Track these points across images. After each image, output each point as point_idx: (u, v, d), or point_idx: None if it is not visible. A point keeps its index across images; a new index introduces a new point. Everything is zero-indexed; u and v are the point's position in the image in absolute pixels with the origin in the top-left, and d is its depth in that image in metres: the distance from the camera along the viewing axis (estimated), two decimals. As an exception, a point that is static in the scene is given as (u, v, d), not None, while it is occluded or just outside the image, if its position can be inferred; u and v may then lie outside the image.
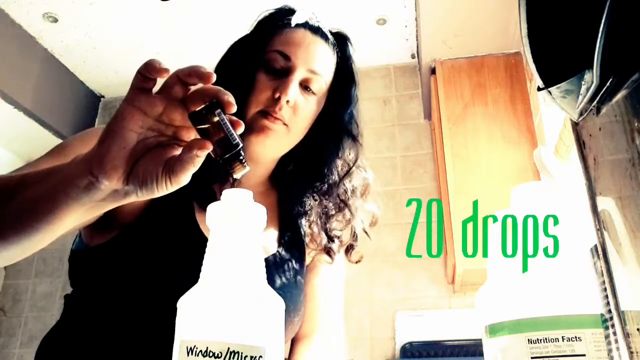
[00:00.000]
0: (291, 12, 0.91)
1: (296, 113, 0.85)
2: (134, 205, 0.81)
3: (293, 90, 0.83)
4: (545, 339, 0.50)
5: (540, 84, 0.46)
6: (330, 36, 0.92)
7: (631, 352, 0.40)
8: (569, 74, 0.44)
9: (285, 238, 0.94)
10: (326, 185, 0.94)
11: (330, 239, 0.97)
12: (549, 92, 0.46)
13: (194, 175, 0.51)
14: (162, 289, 0.69)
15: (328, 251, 0.97)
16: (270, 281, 0.86)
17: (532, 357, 0.50)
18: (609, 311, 0.46)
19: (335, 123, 0.93)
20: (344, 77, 0.93)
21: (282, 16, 0.91)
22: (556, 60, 0.45)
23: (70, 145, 0.78)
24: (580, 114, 0.46)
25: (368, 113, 2.95)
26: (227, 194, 0.48)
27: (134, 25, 2.66)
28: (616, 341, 0.44)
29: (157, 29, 2.69)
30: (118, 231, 0.80)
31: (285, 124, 0.84)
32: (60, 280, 2.86)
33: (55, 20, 2.63)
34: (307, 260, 0.99)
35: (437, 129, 2.42)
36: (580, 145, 0.48)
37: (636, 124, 0.38)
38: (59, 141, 3.01)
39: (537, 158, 2.03)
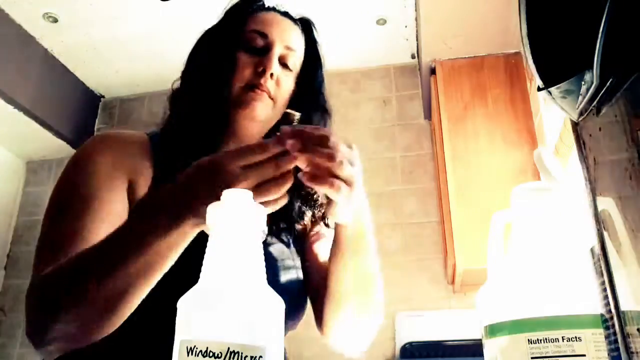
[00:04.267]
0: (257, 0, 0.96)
1: (279, 86, 0.88)
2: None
3: (276, 63, 0.87)
4: (545, 339, 0.50)
5: (540, 84, 0.47)
6: (297, 20, 0.97)
7: (631, 352, 0.40)
8: (569, 74, 0.44)
9: (275, 222, 0.93)
10: None
11: (313, 206, 0.95)
12: (549, 92, 0.46)
13: None
14: (164, 288, 0.69)
15: (321, 219, 0.96)
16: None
17: (532, 357, 0.50)
18: (609, 311, 0.46)
19: (306, 98, 0.95)
20: (312, 58, 0.97)
21: (250, 3, 0.95)
22: (556, 60, 0.45)
23: (96, 191, 0.78)
24: (580, 114, 0.46)
25: (368, 113, 2.96)
26: (227, 194, 0.48)
27: (134, 25, 2.66)
28: (616, 341, 0.44)
29: (157, 29, 2.69)
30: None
31: (271, 98, 0.87)
32: (60, 280, 2.86)
33: (55, 20, 2.63)
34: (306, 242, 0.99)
35: (437, 129, 2.42)
36: (580, 145, 0.48)
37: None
38: (59, 141, 3.01)
39: (537, 158, 2.03)
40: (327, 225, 0.96)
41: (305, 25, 0.97)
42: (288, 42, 0.90)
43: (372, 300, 0.87)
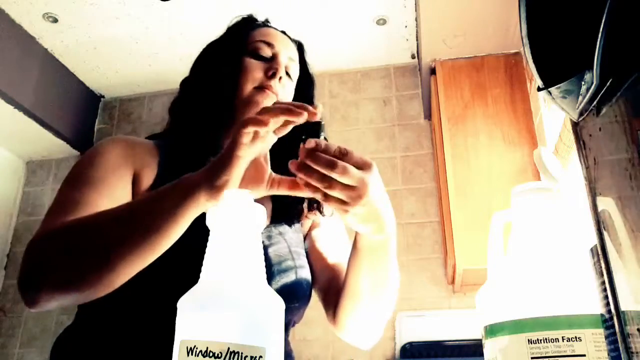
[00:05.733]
0: (256, 19, 1.05)
1: (285, 90, 0.95)
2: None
3: (284, 69, 0.95)
4: (545, 339, 0.50)
5: (540, 84, 0.47)
6: (292, 40, 1.04)
7: (631, 352, 0.40)
8: (569, 74, 0.44)
9: (277, 210, 0.95)
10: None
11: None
12: (549, 92, 0.46)
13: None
14: (164, 288, 0.69)
15: (316, 207, 0.99)
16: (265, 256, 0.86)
17: (532, 357, 0.50)
18: (609, 311, 0.46)
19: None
20: (305, 77, 1.04)
21: (252, 20, 1.04)
22: (556, 60, 0.46)
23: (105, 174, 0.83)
24: (580, 114, 0.46)
25: (368, 113, 2.96)
26: (227, 194, 0.48)
27: (134, 25, 2.66)
28: (616, 341, 0.44)
29: (157, 29, 2.69)
30: None
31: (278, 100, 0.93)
32: (60, 280, 2.85)
33: (55, 20, 2.63)
34: (307, 225, 1.02)
35: (437, 129, 2.42)
36: (580, 145, 0.48)
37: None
38: (59, 141, 3.02)
39: (537, 158, 2.03)
40: (322, 213, 0.99)
41: (299, 47, 1.04)
42: (290, 54, 0.98)
43: (388, 299, 0.92)
